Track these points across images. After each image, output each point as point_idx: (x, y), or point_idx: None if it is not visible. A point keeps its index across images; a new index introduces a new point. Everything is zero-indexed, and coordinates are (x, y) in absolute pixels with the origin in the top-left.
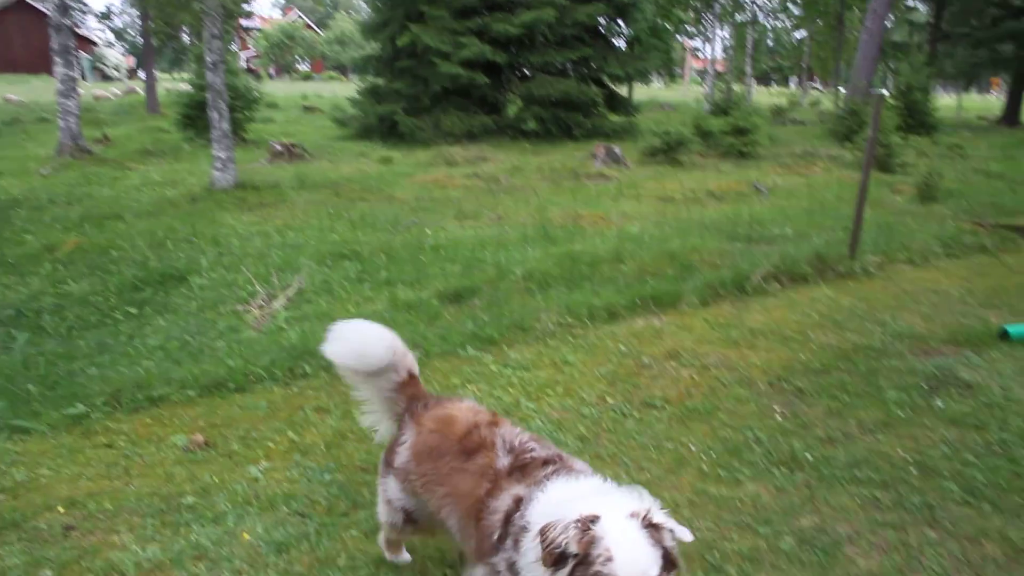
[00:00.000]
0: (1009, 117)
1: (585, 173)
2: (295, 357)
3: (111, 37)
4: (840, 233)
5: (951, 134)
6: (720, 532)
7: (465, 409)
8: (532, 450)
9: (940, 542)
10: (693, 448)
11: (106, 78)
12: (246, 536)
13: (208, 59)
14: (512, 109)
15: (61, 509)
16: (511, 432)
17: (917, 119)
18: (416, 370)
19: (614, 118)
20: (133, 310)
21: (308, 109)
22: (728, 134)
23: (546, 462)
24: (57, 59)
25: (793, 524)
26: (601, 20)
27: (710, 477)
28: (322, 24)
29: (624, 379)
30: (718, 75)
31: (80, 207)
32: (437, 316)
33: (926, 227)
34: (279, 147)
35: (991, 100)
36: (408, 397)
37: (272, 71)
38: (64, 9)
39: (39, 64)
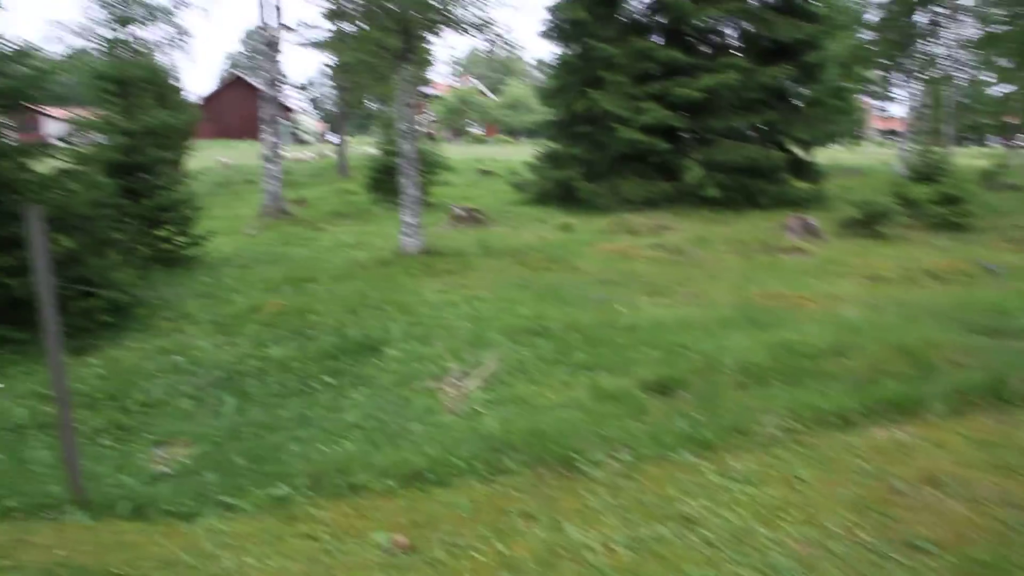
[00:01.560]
0: None
1: (779, 246)
2: (495, 449)
3: (307, 105)
4: None
5: None
6: None
7: None
8: None
9: None
10: None
11: (301, 142)
12: None
13: (402, 127)
14: (692, 175)
15: None
16: None
17: None
18: None
19: (799, 185)
20: (331, 380)
21: (484, 173)
22: (936, 203)
23: None
24: (265, 128)
25: None
26: (786, 82)
27: None
28: (495, 90)
29: (874, 508)
30: (914, 136)
31: (280, 267)
32: (643, 410)
33: None
34: (460, 212)
35: None
36: None
37: (447, 135)
38: (274, 83)
39: (246, 130)
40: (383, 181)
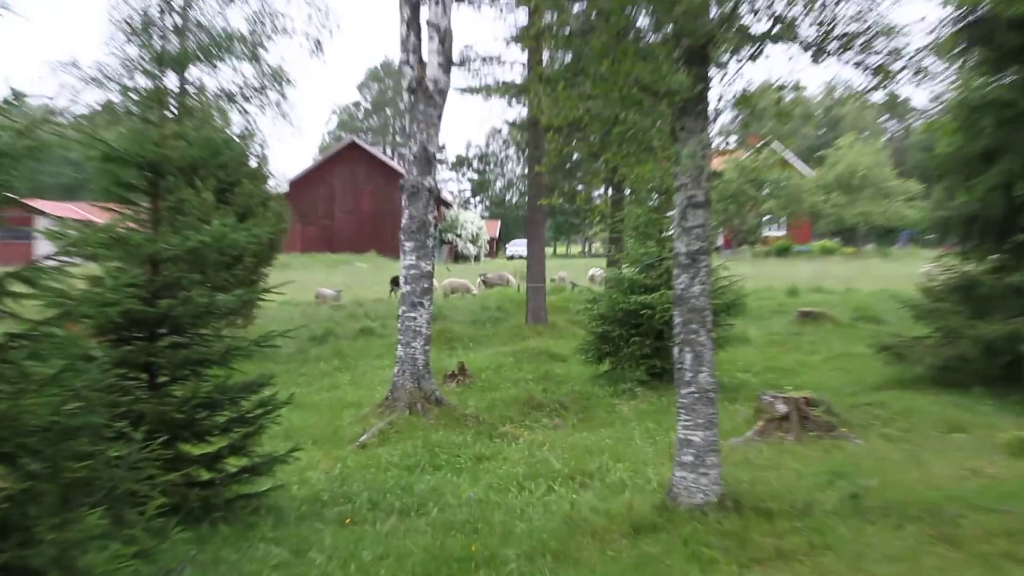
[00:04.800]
0: None
1: None
2: None
3: (460, 193)
4: None
5: None
6: None
7: None
8: None
9: None
10: None
11: (459, 256)
12: None
13: (682, 247)
14: None
15: None
16: None
17: None
18: None
19: None
20: None
21: (806, 315)
22: None
23: None
24: (409, 242)
25: None
26: None
27: None
28: (812, 157)
29: None
30: None
31: (422, 527)
32: None
33: None
34: (781, 407)
35: None
36: None
37: (720, 242)
38: (426, 161)
39: (364, 235)
40: (617, 339)
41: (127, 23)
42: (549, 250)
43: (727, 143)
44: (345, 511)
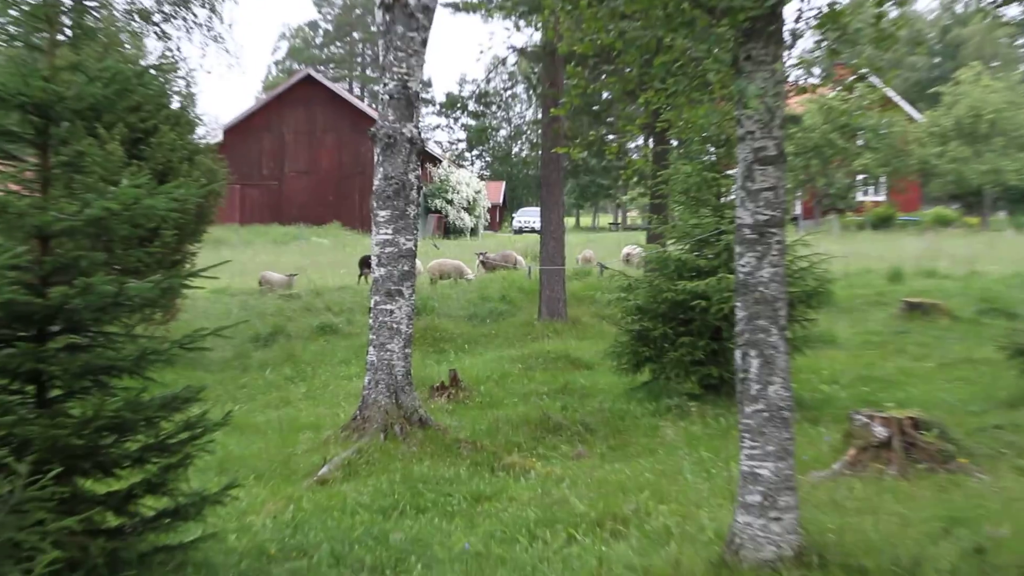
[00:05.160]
0: None
1: None
2: None
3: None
4: None
5: None
6: None
7: None
8: None
9: None
10: None
11: (450, 230)
12: None
13: (748, 218)
14: None
15: None
16: None
17: None
18: None
19: None
20: None
21: (914, 307)
22: None
23: None
24: (385, 211)
25: None
26: None
27: None
28: (923, 96)
29: None
30: None
31: None
32: None
33: None
34: (880, 430)
35: None
36: None
37: (799, 209)
38: (407, 103)
39: (322, 201)
40: (660, 340)
41: None
42: (570, 221)
43: (807, 77)
44: (299, 568)
